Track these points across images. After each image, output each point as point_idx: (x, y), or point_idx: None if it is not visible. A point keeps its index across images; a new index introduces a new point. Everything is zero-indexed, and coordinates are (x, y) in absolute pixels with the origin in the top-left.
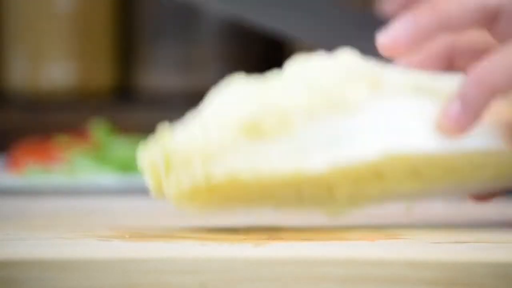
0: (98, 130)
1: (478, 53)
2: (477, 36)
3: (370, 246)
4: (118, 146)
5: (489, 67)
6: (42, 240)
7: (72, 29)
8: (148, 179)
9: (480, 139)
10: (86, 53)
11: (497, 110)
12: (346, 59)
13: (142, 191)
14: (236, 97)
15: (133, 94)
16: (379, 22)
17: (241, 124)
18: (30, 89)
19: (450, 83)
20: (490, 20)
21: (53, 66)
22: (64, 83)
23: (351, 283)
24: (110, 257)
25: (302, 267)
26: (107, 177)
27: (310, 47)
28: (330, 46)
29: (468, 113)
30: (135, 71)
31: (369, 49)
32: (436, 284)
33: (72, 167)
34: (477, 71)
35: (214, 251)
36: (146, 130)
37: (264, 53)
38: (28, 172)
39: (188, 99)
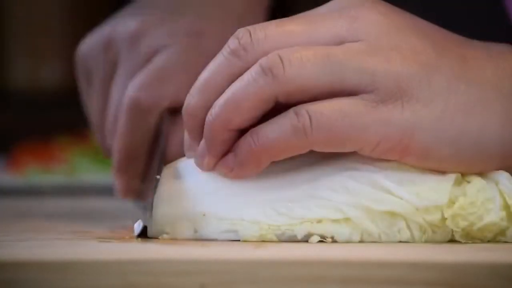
0: None
1: None
2: None
3: (369, 247)
4: None
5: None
6: (42, 241)
7: (72, 30)
8: None
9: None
10: None
11: None
12: None
13: None
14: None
15: None
16: None
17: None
18: (30, 89)
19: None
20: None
21: (53, 66)
22: (64, 83)
23: (350, 284)
24: (110, 258)
25: (301, 268)
26: (107, 177)
27: None
28: None
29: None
30: None
31: None
32: (436, 285)
33: (72, 167)
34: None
35: (214, 252)
36: None
37: None
38: (28, 172)
39: None
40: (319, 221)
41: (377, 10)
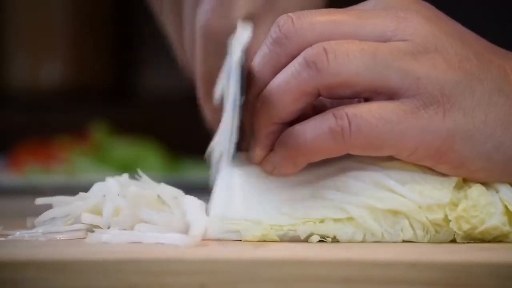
0: (98, 130)
1: None
2: None
3: (370, 247)
4: (118, 146)
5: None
6: (42, 240)
7: (72, 30)
8: None
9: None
10: (86, 54)
11: None
12: None
13: None
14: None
15: (132, 94)
16: None
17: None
18: (30, 89)
19: None
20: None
21: (53, 67)
22: (64, 83)
23: (351, 284)
24: (110, 258)
25: (301, 268)
26: (107, 177)
27: None
28: None
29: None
30: (134, 71)
31: None
32: (436, 285)
33: (72, 167)
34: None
35: (214, 252)
36: (146, 129)
37: None
38: (28, 172)
39: (187, 99)
40: (322, 221)
41: (424, 14)
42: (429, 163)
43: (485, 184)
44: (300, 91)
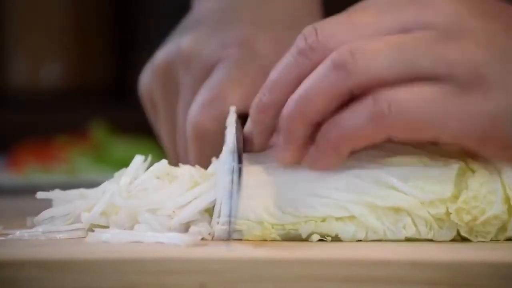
0: (97, 130)
1: None
2: None
3: (370, 246)
4: (118, 146)
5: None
6: (42, 240)
7: (72, 30)
8: None
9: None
10: (86, 54)
11: None
12: None
13: None
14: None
15: (132, 94)
16: None
17: None
18: (30, 89)
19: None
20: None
21: (53, 67)
22: (63, 83)
23: (352, 283)
24: (110, 257)
25: (301, 268)
26: (107, 177)
27: None
28: None
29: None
30: (134, 71)
31: None
32: (438, 284)
33: (72, 167)
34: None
35: (214, 252)
36: (146, 129)
37: None
38: (28, 172)
39: None
40: (324, 220)
41: None
42: (473, 146)
43: (488, 164)
44: (331, 94)
